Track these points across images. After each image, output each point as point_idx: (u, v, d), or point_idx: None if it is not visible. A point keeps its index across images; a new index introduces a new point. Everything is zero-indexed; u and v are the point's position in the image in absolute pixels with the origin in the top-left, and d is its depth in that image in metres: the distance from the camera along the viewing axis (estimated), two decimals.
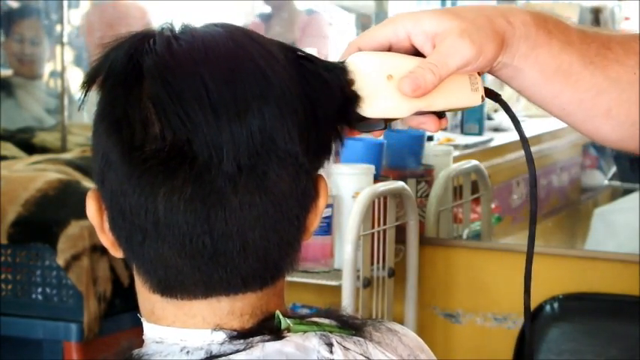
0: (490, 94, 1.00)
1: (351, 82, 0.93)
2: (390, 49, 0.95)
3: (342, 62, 0.94)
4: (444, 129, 3.33)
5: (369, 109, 0.93)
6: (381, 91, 0.93)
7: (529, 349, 1.03)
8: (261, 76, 0.88)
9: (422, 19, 0.94)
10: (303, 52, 0.93)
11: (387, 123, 0.95)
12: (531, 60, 0.97)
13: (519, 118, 1.03)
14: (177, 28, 0.91)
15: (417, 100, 0.93)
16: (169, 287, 0.90)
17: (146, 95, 0.86)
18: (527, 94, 1.01)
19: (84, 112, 3.99)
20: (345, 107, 0.93)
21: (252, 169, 0.86)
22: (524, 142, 1.01)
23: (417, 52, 0.95)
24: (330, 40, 3.85)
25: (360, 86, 0.93)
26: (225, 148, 0.85)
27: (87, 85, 0.92)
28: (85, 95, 0.92)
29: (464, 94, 0.97)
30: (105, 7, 4.22)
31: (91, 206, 0.92)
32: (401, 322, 2.54)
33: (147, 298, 0.92)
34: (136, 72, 0.87)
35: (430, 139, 2.92)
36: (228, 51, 0.89)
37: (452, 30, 0.93)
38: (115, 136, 0.87)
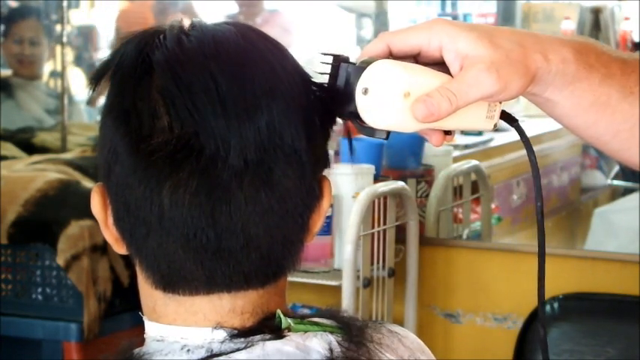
0: (507, 118, 0.98)
1: (365, 91, 0.90)
2: (419, 54, 0.93)
3: (365, 65, 0.91)
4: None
5: (375, 120, 0.91)
6: (393, 107, 0.90)
7: None
8: (271, 73, 0.89)
9: (459, 37, 0.90)
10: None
11: (389, 133, 0.93)
12: (566, 93, 0.95)
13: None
14: (187, 25, 0.91)
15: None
16: (172, 282, 0.90)
17: (155, 88, 0.87)
18: (560, 121, 0.99)
19: (84, 112, 4.00)
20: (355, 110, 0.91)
21: (259, 164, 0.86)
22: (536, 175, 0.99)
23: (444, 63, 0.92)
24: (292, 35, 3.87)
25: (374, 97, 0.90)
26: (232, 142, 0.85)
27: (96, 79, 0.92)
28: (94, 90, 0.92)
29: (477, 120, 0.95)
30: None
31: (96, 201, 0.92)
32: (401, 322, 2.54)
33: (149, 294, 0.92)
34: (146, 65, 0.88)
35: None
36: (238, 47, 0.89)
37: (482, 59, 0.89)
38: (122, 128, 0.87)
